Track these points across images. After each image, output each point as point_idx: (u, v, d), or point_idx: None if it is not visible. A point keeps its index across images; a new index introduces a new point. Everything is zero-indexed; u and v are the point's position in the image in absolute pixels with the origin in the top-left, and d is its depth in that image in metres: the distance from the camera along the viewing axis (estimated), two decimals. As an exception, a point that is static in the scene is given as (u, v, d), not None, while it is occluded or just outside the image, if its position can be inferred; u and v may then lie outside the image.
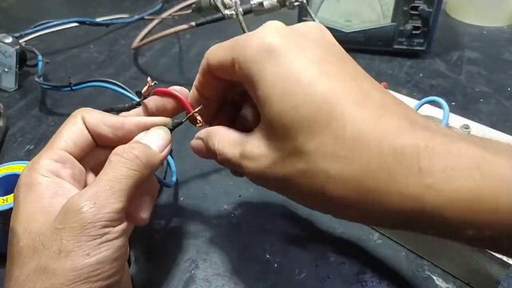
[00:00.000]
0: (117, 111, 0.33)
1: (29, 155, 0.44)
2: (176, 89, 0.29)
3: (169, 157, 0.37)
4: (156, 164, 0.26)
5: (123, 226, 0.23)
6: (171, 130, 0.28)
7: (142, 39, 0.61)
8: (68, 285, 0.21)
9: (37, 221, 0.23)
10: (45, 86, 0.48)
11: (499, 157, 0.17)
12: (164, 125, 0.28)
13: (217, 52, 0.25)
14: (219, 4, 0.49)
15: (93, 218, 0.22)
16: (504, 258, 0.28)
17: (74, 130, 0.27)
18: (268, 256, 0.33)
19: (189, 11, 0.59)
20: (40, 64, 0.53)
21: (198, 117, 0.28)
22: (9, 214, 0.32)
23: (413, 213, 0.18)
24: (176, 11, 0.65)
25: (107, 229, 0.22)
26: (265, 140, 0.23)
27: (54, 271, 0.21)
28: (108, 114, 0.28)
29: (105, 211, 0.22)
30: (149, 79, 0.30)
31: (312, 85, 0.21)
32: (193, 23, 0.52)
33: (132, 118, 0.28)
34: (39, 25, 0.62)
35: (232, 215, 0.36)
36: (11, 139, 0.47)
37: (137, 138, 0.27)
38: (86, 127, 0.27)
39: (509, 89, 0.53)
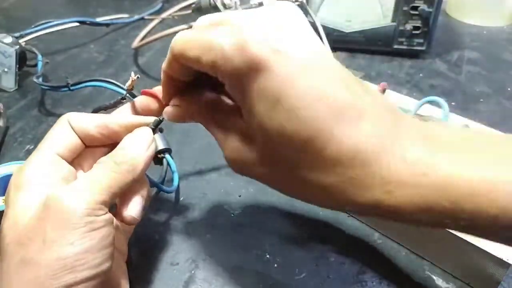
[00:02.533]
0: (104, 108, 0.34)
1: (29, 155, 0.44)
2: (158, 89, 0.30)
3: (169, 157, 0.37)
4: (141, 165, 0.26)
5: (107, 216, 0.24)
6: (153, 129, 0.29)
7: (142, 39, 0.61)
8: (53, 275, 0.21)
9: (23, 218, 0.23)
10: (44, 87, 0.48)
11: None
12: (146, 124, 0.29)
13: (189, 49, 0.23)
14: (219, 4, 0.49)
15: (74, 207, 0.22)
16: (504, 258, 0.28)
17: (62, 133, 0.28)
18: (268, 256, 0.33)
19: (189, 11, 0.59)
20: (40, 64, 0.53)
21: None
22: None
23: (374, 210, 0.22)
24: (176, 11, 0.65)
25: (90, 218, 0.23)
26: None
27: (39, 262, 0.22)
28: (93, 115, 0.29)
29: (86, 200, 0.23)
30: (132, 73, 0.31)
31: (301, 109, 0.21)
32: (193, 23, 0.52)
33: (115, 118, 0.29)
34: (39, 25, 0.62)
35: (232, 215, 0.36)
36: (11, 139, 0.47)
37: (121, 144, 0.27)
38: (73, 129, 0.28)
39: (509, 89, 0.53)
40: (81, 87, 0.42)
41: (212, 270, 0.32)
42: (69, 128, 0.28)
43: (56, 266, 0.22)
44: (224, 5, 0.49)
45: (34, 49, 0.56)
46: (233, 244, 0.34)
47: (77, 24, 0.63)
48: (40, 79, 0.49)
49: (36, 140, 0.46)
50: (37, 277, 0.21)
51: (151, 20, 0.68)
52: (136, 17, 0.68)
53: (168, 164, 0.37)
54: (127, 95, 0.32)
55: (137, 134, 0.28)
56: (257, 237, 0.34)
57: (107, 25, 0.66)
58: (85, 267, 0.22)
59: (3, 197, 0.31)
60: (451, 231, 0.30)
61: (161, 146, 0.33)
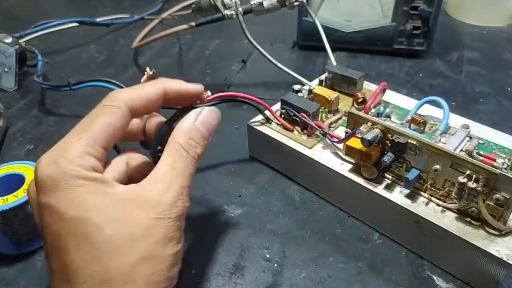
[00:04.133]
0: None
1: (29, 155, 0.44)
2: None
3: None
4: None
5: None
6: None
7: (142, 39, 0.61)
8: (168, 269, 0.24)
9: (124, 211, 0.23)
10: (44, 86, 0.48)
11: None
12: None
13: None
14: (219, 4, 0.49)
15: (184, 211, 0.26)
16: (504, 258, 0.28)
17: (117, 126, 0.26)
18: (268, 256, 0.33)
19: (189, 11, 0.59)
20: (40, 64, 0.53)
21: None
22: (8, 214, 0.32)
23: None
24: (176, 11, 0.65)
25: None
26: None
27: (160, 258, 0.24)
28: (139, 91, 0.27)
29: (187, 206, 0.26)
30: (147, 69, 0.31)
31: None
32: (193, 23, 0.52)
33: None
34: (39, 25, 0.62)
35: (232, 215, 0.36)
36: (11, 139, 0.47)
37: (196, 133, 0.28)
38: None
39: (509, 89, 0.53)
40: (82, 87, 0.42)
41: (212, 270, 0.32)
42: (127, 118, 0.26)
43: (171, 261, 0.24)
44: (224, 5, 0.49)
45: (34, 49, 0.56)
46: (233, 244, 0.34)
47: (77, 24, 0.63)
48: (40, 79, 0.49)
49: (36, 140, 0.46)
50: (158, 270, 0.24)
51: (151, 20, 0.68)
52: (136, 17, 0.68)
53: None
54: None
55: (209, 115, 0.29)
56: (257, 237, 0.34)
57: (107, 25, 0.66)
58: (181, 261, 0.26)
59: (3, 197, 0.31)
60: (451, 230, 0.30)
61: None
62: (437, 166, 0.31)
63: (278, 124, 0.41)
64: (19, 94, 0.54)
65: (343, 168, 0.36)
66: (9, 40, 0.54)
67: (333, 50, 0.61)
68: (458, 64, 0.58)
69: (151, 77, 0.31)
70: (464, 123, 0.38)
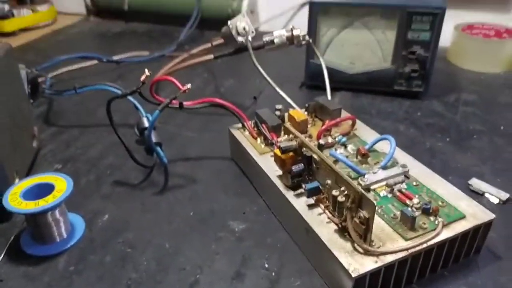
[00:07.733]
0: (119, 97, 0.44)
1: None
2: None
3: (159, 149, 0.45)
4: None
5: None
6: None
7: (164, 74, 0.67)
8: None
9: None
10: (50, 92, 0.60)
11: None
12: None
13: None
14: (233, 32, 0.56)
15: None
16: (350, 270, 0.31)
17: None
18: (266, 265, 0.36)
19: (211, 56, 0.65)
20: (48, 81, 0.64)
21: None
22: (38, 217, 0.36)
23: None
24: (199, 51, 0.72)
25: None
26: None
27: None
28: None
29: None
30: (146, 70, 0.41)
31: None
32: (211, 56, 0.58)
33: None
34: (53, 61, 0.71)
35: (236, 229, 0.40)
36: (41, 159, 0.52)
37: None
38: None
39: (502, 127, 0.56)
40: (86, 90, 0.55)
41: (216, 275, 0.35)
42: None
43: None
44: (238, 33, 0.57)
45: (43, 73, 0.66)
46: (236, 254, 0.37)
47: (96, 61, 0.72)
48: (48, 91, 0.60)
49: (64, 161, 0.51)
50: None
51: (172, 58, 0.74)
52: (156, 54, 0.76)
53: (157, 154, 0.46)
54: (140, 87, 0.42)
55: None
56: (258, 249, 0.38)
57: (117, 62, 0.77)
58: None
59: (35, 201, 0.36)
60: (321, 237, 0.33)
61: (154, 140, 0.46)
62: (329, 181, 0.34)
63: (249, 133, 0.47)
64: (51, 120, 0.60)
65: (274, 173, 0.40)
66: (23, 68, 0.61)
67: (338, 89, 0.66)
68: (455, 105, 0.62)
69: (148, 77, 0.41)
70: (405, 161, 0.40)
